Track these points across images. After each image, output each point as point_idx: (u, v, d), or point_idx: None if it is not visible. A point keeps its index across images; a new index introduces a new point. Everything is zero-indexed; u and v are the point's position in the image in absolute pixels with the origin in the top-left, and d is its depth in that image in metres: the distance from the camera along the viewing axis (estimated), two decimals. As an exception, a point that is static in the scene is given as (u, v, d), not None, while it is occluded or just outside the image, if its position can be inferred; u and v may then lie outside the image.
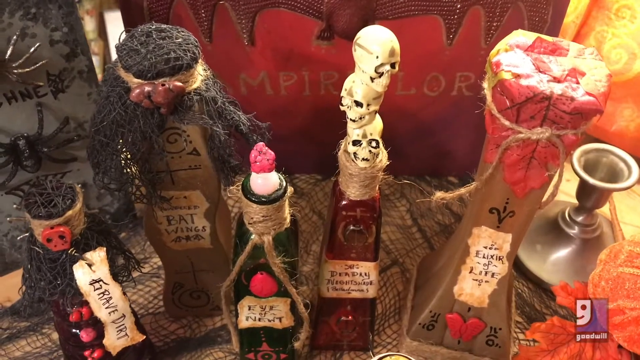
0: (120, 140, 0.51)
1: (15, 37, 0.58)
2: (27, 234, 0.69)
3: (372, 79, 0.46)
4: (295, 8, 0.69)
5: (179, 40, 0.50)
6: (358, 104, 0.48)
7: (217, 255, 0.64)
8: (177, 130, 0.53)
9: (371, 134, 0.49)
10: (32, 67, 0.60)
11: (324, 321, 0.65)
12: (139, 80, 0.49)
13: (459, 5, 0.68)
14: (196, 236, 0.62)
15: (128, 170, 0.53)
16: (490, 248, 0.58)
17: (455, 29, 0.71)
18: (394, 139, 0.61)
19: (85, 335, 0.55)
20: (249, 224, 0.50)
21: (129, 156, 0.52)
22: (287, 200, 0.50)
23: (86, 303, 0.53)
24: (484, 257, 0.59)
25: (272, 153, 0.47)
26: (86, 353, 0.57)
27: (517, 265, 0.76)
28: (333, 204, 0.56)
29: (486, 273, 0.60)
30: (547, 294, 0.74)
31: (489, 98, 0.48)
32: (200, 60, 0.51)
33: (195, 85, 0.51)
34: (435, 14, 0.69)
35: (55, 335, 0.69)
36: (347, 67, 0.59)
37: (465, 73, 0.75)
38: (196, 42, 0.51)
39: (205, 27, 0.70)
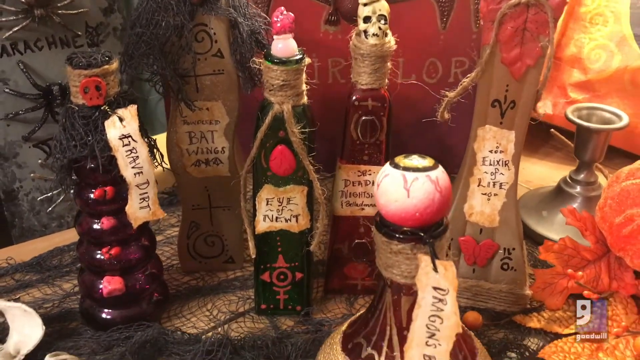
0: (154, 30, 0.57)
1: (63, -20, 0.66)
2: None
3: (379, -51, 0.53)
4: (306, -8, 0.78)
5: (210, -55, 0.58)
6: (367, -23, 0.55)
7: (234, 186, 0.66)
8: (205, 27, 0.59)
9: (380, 10, 0.56)
10: (75, 11, 0.67)
11: (338, 249, 0.65)
12: (175, -30, 0.56)
13: (449, -13, 0.78)
14: (215, 160, 0.65)
15: (159, 58, 0.58)
16: (495, 152, 0.62)
17: (447, 12, 0.80)
18: (398, 132, 0.66)
19: (106, 222, 0.56)
20: (270, 91, 0.55)
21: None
22: (304, 70, 0.55)
23: (111, 182, 0.55)
24: (490, 165, 0.62)
25: (292, 15, 0.53)
26: (103, 250, 0.57)
27: (526, 233, 0.77)
28: (345, 105, 0.61)
29: (494, 184, 0.63)
30: (557, 253, 0.74)
31: (481, -23, 0.55)
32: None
33: (223, -15, 0.58)
34: (429, -4, 0.79)
35: (65, 285, 0.69)
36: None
37: (460, 58, 0.83)
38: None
39: (226, 12, 0.79)
